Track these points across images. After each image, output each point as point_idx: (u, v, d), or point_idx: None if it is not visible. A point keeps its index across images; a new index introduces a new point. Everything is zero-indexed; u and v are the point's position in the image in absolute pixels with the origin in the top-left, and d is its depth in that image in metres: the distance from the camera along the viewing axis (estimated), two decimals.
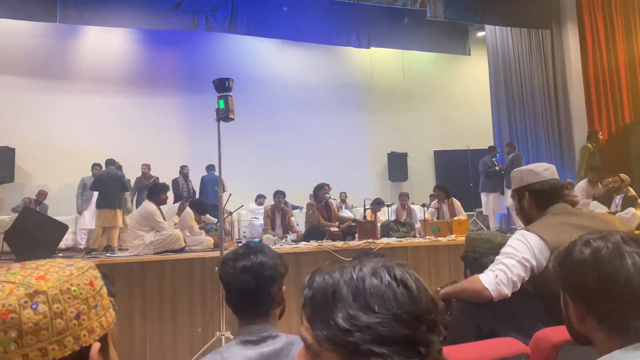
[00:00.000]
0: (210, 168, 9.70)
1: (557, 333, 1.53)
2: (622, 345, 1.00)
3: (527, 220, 2.22)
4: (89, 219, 8.62)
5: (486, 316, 1.95)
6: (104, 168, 8.31)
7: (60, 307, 0.69)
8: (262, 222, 8.26)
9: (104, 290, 0.78)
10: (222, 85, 4.33)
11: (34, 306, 0.67)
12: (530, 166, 2.27)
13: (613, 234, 1.09)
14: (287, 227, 7.69)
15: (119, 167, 8.49)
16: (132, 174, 9.45)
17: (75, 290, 0.71)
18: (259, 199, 10.31)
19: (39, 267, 0.73)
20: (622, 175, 7.42)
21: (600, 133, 8.85)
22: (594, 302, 1.05)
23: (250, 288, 1.49)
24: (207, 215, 8.08)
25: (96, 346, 0.74)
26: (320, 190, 7.54)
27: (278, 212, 7.72)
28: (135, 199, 9.34)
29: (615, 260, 1.03)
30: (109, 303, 0.80)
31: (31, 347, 0.66)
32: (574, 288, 1.09)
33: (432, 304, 0.72)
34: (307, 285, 0.75)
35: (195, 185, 9.85)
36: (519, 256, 1.95)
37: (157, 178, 9.18)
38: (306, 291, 0.75)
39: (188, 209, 6.46)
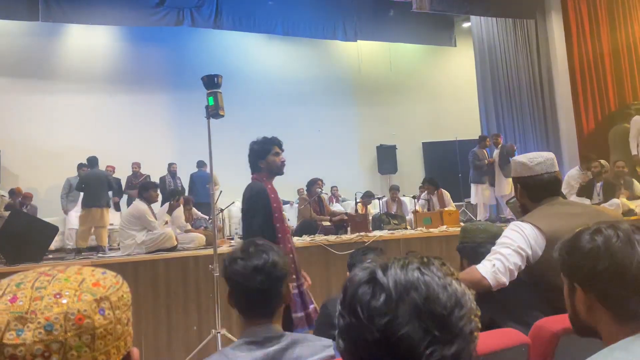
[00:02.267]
0: (200, 164, 9.60)
1: (557, 322, 1.55)
2: (630, 334, 1.02)
3: (524, 210, 2.25)
4: (76, 219, 8.54)
5: (484, 307, 1.95)
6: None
7: (119, 314, 0.73)
8: None
9: None
10: (211, 82, 4.29)
11: (102, 312, 0.70)
12: (524, 158, 2.24)
13: (622, 222, 1.12)
14: None
15: (111, 171, 8.44)
16: (119, 173, 9.39)
17: (125, 298, 0.76)
18: None
19: (80, 273, 0.75)
20: (601, 160, 7.44)
21: None
22: (606, 290, 1.07)
23: (263, 288, 1.47)
24: (197, 211, 8.06)
25: (135, 351, 0.78)
26: (313, 185, 7.55)
27: None
28: (126, 198, 9.29)
29: (627, 247, 1.06)
30: None
31: (100, 351, 0.69)
32: (586, 276, 1.10)
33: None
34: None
35: (185, 183, 9.78)
36: (514, 245, 1.97)
37: (148, 176, 9.11)
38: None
39: (180, 207, 6.42)
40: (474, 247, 2.32)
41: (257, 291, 1.47)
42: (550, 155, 2.24)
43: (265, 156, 3.26)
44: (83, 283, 0.72)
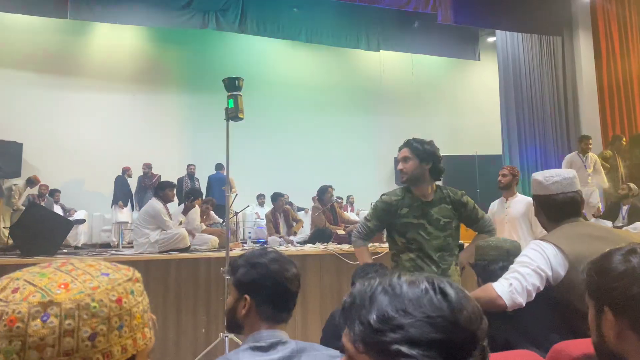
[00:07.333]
0: (219, 167, 9.66)
1: (577, 346, 1.47)
2: None
3: (544, 227, 2.17)
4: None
5: (500, 327, 1.89)
6: None
7: (72, 325, 0.61)
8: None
9: (139, 308, 0.70)
10: (232, 85, 4.29)
11: (45, 318, 0.60)
12: (540, 176, 2.11)
13: None
14: (292, 226, 7.59)
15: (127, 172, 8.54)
16: (139, 172, 9.54)
17: (95, 307, 0.63)
18: (260, 199, 10.30)
19: (72, 271, 0.66)
20: (631, 184, 7.25)
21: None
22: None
23: (296, 291, 1.56)
24: (213, 214, 8.06)
25: None
26: (324, 193, 7.46)
27: (280, 214, 7.62)
28: (136, 198, 9.45)
29: None
30: (143, 322, 0.70)
31: None
32: (617, 299, 1.02)
33: (475, 316, 0.68)
34: (348, 294, 0.75)
35: (202, 184, 9.84)
36: (534, 265, 1.89)
37: (159, 176, 9.20)
38: (346, 298, 0.75)
39: (196, 208, 6.42)
40: (484, 265, 2.26)
41: (294, 294, 1.54)
42: (569, 173, 2.08)
43: None
44: (55, 281, 0.63)
